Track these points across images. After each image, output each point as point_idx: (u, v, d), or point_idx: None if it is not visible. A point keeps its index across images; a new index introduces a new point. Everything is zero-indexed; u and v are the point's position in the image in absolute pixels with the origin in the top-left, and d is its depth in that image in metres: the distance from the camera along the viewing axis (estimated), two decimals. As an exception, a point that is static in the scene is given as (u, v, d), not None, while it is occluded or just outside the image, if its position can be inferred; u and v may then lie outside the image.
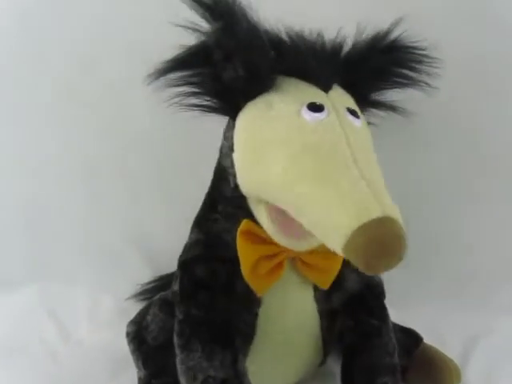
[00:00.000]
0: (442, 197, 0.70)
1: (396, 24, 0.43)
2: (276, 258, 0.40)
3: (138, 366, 0.50)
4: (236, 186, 0.40)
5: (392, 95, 0.46)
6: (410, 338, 0.54)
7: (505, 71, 0.65)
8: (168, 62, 0.37)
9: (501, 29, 0.63)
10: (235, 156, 0.39)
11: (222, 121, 0.43)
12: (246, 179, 0.38)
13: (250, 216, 0.40)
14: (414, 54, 0.43)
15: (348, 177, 0.32)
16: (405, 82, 0.44)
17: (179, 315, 0.42)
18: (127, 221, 0.75)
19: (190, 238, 0.45)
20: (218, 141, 0.44)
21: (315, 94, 0.38)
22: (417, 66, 0.43)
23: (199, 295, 0.42)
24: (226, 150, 0.41)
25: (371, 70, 0.42)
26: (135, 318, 0.51)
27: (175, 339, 0.42)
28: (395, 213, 0.31)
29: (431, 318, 0.62)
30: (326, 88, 0.38)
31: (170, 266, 0.63)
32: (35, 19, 0.69)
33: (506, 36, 0.63)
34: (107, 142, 0.72)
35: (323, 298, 0.45)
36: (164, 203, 0.74)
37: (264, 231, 0.40)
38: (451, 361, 0.53)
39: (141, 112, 0.69)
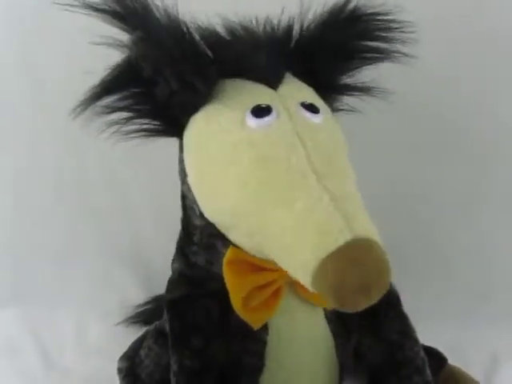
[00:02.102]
0: (460, 211, 0.68)
1: None
2: (271, 286, 0.36)
3: (132, 407, 0.46)
4: (201, 214, 0.36)
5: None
6: (433, 360, 0.49)
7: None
8: (94, 88, 0.34)
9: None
10: (189, 181, 0.35)
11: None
12: (204, 206, 0.35)
13: (230, 242, 0.36)
14: (380, 20, 0.38)
15: (306, 193, 0.28)
16: (376, 55, 0.39)
17: (173, 365, 0.39)
18: (116, 237, 0.73)
19: (173, 268, 0.42)
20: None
21: (261, 95, 0.34)
22: (386, 35, 0.38)
23: (192, 341, 0.38)
24: (182, 174, 0.37)
25: (332, 50, 0.37)
26: (127, 352, 0.48)
27: None
28: (369, 231, 0.26)
29: (452, 336, 0.60)
30: (274, 84, 0.34)
31: (165, 284, 0.59)
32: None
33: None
34: (96, 158, 0.70)
35: (335, 316, 0.42)
36: (156, 217, 0.72)
37: (254, 257, 0.35)
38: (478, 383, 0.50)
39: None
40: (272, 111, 0.32)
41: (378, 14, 0.38)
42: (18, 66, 0.68)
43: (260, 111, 0.32)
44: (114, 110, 0.35)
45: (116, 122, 0.35)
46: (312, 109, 0.33)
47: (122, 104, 0.35)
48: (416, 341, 0.44)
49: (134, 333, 0.54)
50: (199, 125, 0.34)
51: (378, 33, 0.38)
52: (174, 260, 0.42)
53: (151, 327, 0.47)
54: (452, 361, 0.52)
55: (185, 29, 0.33)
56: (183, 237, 0.40)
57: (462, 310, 0.65)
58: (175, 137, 0.37)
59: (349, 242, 0.25)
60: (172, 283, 0.41)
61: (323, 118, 0.33)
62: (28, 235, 0.73)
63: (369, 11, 0.37)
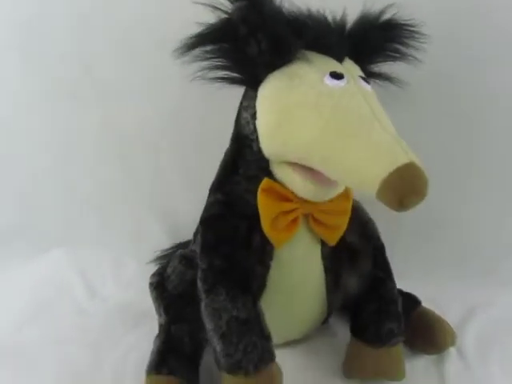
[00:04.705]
0: (446, 170, 0.71)
1: (389, 6, 0.47)
2: (292, 213, 0.45)
3: (159, 313, 0.54)
4: (259, 150, 0.44)
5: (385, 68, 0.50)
6: (408, 301, 0.57)
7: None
8: (194, 36, 0.41)
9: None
10: (258, 122, 0.43)
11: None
12: (271, 142, 0.43)
13: (270, 176, 0.44)
14: (407, 30, 0.47)
15: (376, 131, 0.38)
16: (396, 55, 0.49)
17: (202, 264, 0.46)
18: (152, 194, 0.81)
19: (208, 200, 0.49)
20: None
21: (334, 65, 0.42)
22: (407, 42, 0.47)
23: (222, 248, 0.46)
24: (247, 119, 0.45)
25: (370, 45, 0.47)
26: (157, 270, 0.57)
27: (200, 285, 0.46)
28: (416, 158, 0.36)
29: (432, 290, 0.64)
30: (340, 59, 0.43)
31: (187, 235, 0.68)
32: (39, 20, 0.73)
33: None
34: (137, 120, 0.76)
35: (330, 255, 0.50)
36: (185, 179, 0.78)
37: (283, 188, 0.44)
38: (447, 323, 0.55)
39: (168, 93, 0.72)
40: (344, 77, 0.41)
41: (408, 25, 0.47)
42: (74, 42, 0.74)
43: (337, 75, 0.40)
44: (208, 57, 0.42)
45: (206, 68, 0.42)
46: (366, 81, 0.43)
47: (216, 54, 0.42)
48: (393, 281, 0.52)
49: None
50: (281, 80, 0.42)
51: (403, 39, 0.48)
52: (209, 196, 0.49)
53: (176, 254, 0.56)
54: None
55: (280, 6, 0.41)
56: (225, 172, 0.48)
57: (443, 266, 0.70)
58: (250, 87, 0.44)
59: (408, 163, 0.35)
60: (207, 207, 0.48)
61: (371, 88, 0.43)
62: (76, 188, 0.81)
63: (402, 22, 0.47)
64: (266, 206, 0.44)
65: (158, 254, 0.74)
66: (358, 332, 0.51)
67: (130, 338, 0.60)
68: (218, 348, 0.44)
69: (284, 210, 0.44)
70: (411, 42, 0.48)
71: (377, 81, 0.51)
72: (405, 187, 0.34)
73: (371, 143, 0.37)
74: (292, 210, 0.45)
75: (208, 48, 0.42)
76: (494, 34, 0.66)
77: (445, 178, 0.71)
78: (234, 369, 0.43)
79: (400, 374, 0.49)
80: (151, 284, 0.55)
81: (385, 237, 0.56)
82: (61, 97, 0.77)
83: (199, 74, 0.43)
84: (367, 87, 0.42)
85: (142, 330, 0.61)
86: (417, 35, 0.47)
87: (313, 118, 0.39)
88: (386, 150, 0.36)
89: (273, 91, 0.42)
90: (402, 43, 0.48)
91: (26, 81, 0.77)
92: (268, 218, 0.44)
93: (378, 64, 0.49)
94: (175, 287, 0.52)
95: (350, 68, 0.43)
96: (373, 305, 0.50)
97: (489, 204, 0.72)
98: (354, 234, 0.50)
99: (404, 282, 0.59)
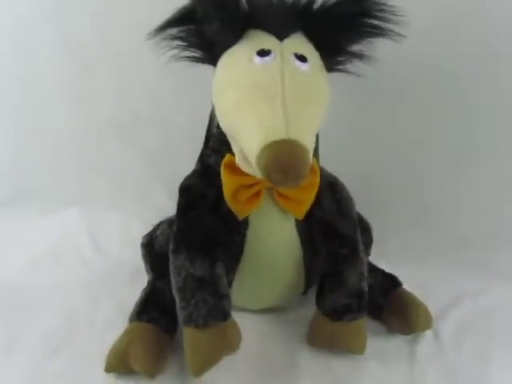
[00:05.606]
0: (443, 158, 0.72)
1: None
2: (254, 187, 0.47)
3: (147, 270, 0.60)
4: (218, 125, 0.47)
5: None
6: (389, 282, 0.58)
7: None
8: (163, 21, 0.45)
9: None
10: (212, 97, 0.46)
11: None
12: (218, 116, 0.46)
13: (231, 151, 0.47)
14: (376, 3, 0.45)
15: (270, 107, 0.38)
16: (373, 31, 0.46)
17: (174, 228, 0.50)
18: (159, 163, 0.86)
19: (193, 169, 0.54)
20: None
21: (269, 42, 0.43)
22: (381, 15, 0.45)
23: (189, 212, 0.49)
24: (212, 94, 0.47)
25: (341, 21, 0.45)
26: (149, 232, 0.61)
27: (169, 245, 0.49)
28: (301, 138, 0.36)
29: (422, 276, 0.64)
30: (281, 37, 0.44)
31: None
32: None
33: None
34: (148, 91, 0.81)
35: (304, 226, 0.51)
36: (194, 147, 0.81)
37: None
38: (424, 306, 0.55)
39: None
40: (271, 54, 0.42)
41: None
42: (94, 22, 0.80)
43: (263, 52, 0.42)
44: (175, 38, 0.45)
45: (175, 47, 0.46)
46: (301, 58, 0.43)
47: (180, 35, 0.45)
48: (362, 260, 0.52)
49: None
50: (223, 59, 0.44)
51: (376, 12, 0.45)
52: (195, 166, 0.53)
53: (166, 219, 0.60)
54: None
55: None
56: (204, 144, 0.52)
57: (436, 254, 0.70)
58: (212, 65, 0.47)
59: (283, 139, 0.35)
60: (187, 177, 0.52)
61: (309, 67, 0.43)
62: (89, 159, 0.88)
63: None
64: (227, 180, 0.47)
65: (162, 220, 0.77)
66: (319, 303, 0.53)
67: (126, 291, 0.65)
68: (177, 301, 0.47)
69: (245, 184, 0.46)
70: (387, 16, 0.45)
71: (352, 59, 0.49)
72: (272, 164, 0.35)
73: (259, 117, 0.37)
74: (254, 184, 0.46)
75: (175, 30, 0.45)
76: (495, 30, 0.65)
77: (441, 166, 0.72)
78: (187, 321, 0.46)
79: (358, 348, 0.50)
80: (142, 244, 0.60)
81: (379, 222, 0.57)
82: (75, 72, 0.83)
83: (172, 53, 0.46)
84: (301, 66, 0.42)
85: (137, 285, 0.64)
86: (389, 8, 0.44)
87: (232, 93, 0.41)
88: (266, 126, 0.36)
89: (218, 69, 0.45)
90: (375, 17, 0.45)
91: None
92: (229, 190, 0.47)
93: (358, 41, 0.47)
94: (161, 247, 0.56)
95: (287, 45, 0.43)
96: (334, 280, 0.51)
97: (485, 193, 0.72)
98: (329, 206, 0.51)
99: (395, 267, 0.61)
